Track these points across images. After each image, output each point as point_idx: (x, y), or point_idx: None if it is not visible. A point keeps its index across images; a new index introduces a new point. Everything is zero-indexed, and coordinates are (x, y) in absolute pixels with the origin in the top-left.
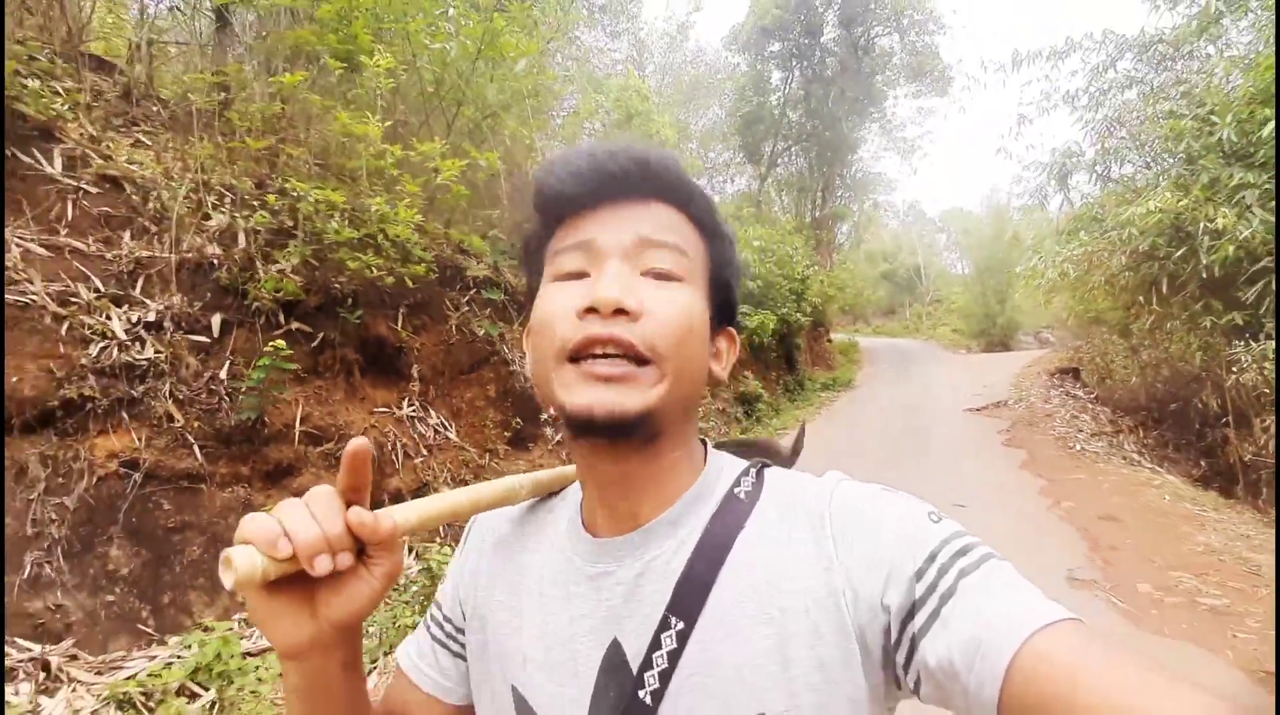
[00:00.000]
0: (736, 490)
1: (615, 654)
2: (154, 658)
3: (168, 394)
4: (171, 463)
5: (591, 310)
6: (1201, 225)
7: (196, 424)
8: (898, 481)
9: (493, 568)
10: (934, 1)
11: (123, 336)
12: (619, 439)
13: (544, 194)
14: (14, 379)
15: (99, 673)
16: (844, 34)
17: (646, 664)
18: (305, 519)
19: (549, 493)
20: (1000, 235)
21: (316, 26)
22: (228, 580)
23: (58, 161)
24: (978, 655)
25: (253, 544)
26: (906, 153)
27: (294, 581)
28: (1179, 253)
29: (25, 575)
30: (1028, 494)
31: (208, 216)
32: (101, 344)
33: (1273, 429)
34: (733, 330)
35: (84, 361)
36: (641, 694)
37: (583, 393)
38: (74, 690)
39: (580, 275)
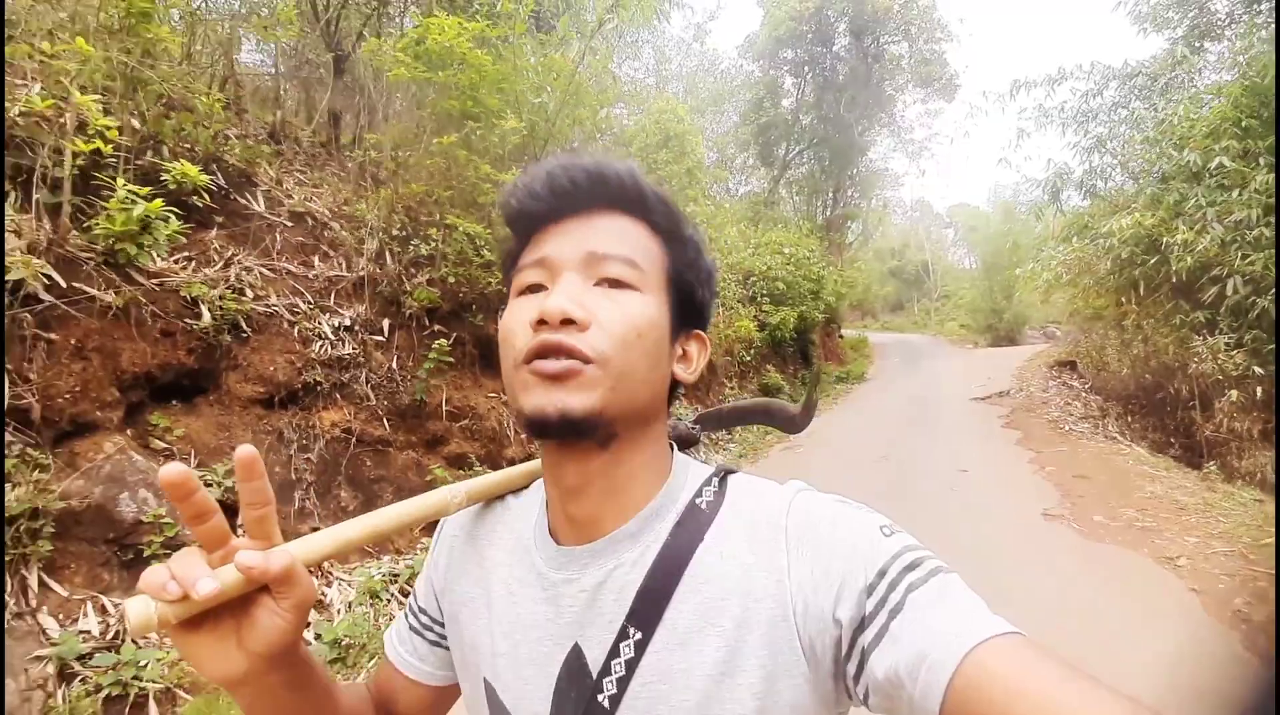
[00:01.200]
0: (698, 501)
1: (576, 659)
2: (380, 569)
3: (364, 380)
4: (370, 431)
5: (542, 322)
6: (1165, 240)
7: (384, 403)
8: (912, 457)
9: (463, 564)
10: (941, 11)
11: (331, 337)
12: (572, 439)
13: (507, 213)
14: (270, 368)
15: (349, 573)
16: (854, 43)
17: (605, 670)
18: (194, 562)
19: (506, 492)
20: (1007, 232)
21: (453, 92)
22: (129, 625)
23: (260, 201)
24: (922, 668)
25: (145, 592)
26: (914, 154)
27: (214, 621)
28: (1153, 260)
29: (294, 507)
30: (1019, 462)
31: (362, 241)
32: (319, 343)
33: (1230, 407)
34: (702, 334)
35: (311, 355)
36: (600, 698)
37: (535, 394)
38: (338, 586)
39: (538, 288)
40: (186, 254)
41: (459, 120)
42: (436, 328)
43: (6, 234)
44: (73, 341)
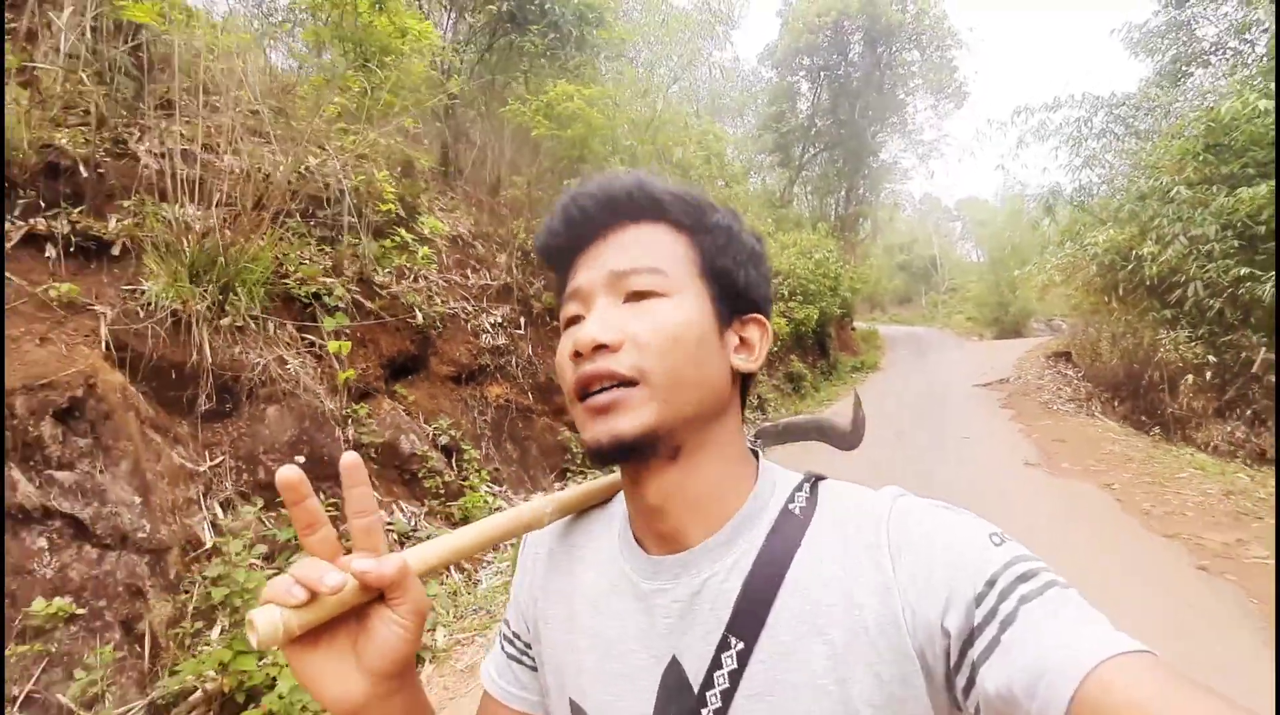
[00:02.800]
0: (791, 506)
1: (675, 672)
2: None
3: (514, 363)
4: (520, 401)
5: (579, 354)
6: (1136, 252)
7: (528, 380)
8: (923, 433)
9: (546, 582)
10: (951, 20)
11: (490, 331)
12: (633, 462)
13: (541, 255)
14: (456, 354)
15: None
16: (868, 51)
17: (708, 683)
18: (315, 564)
19: (591, 506)
20: (1007, 237)
21: (571, 143)
22: (252, 639)
23: (426, 228)
24: (1040, 684)
25: (272, 602)
26: (924, 156)
27: (331, 637)
28: (1130, 267)
29: (481, 453)
30: (1011, 431)
31: (496, 256)
32: (484, 335)
33: (1189, 389)
34: (760, 318)
35: (481, 345)
36: (705, 712)
37: (590, 429)
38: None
39: (577, 319)
40: (388, 270)
41: (575, 163)
42: (555, 323)
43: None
44: (359, 336)
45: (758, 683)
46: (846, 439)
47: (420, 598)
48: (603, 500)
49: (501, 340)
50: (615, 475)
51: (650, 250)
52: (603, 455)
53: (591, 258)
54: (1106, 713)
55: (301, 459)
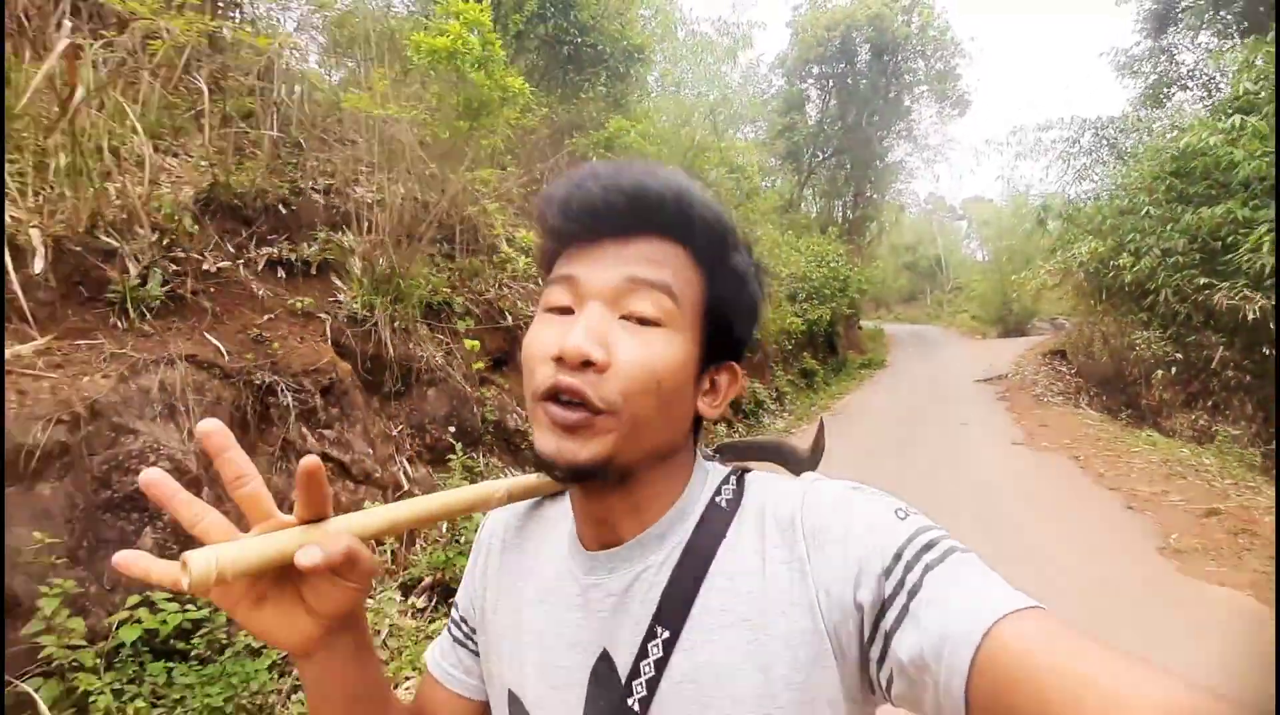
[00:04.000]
0: (718, 499)
1: (604, 664)
2: None
3: None
4: None
5: (561, 358)
6: (1112, 262)
7: None
8: (928, 420)
9: (500, 571)
10: (955, 30)
11: None
12: (581, 483)
13: (542, 227)
14: None
15: None
16: (875, 61)
17: (634, 673)
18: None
19: (546, 496)
20: (1017, 227)
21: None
22: (184, 581)
23: (508, 248)
24: (946, 647)
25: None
26: (930, 161)
27: (278, 594)
28: (1110, 274)
29: None
30: (1003, 418)
31: None
32: None
33: (1159, 382)
34: (734, 365)
35: None
36: (630, 702)
37: (547, 440)
38: None
39: (566, 310)
40: (492, 280)
41: None
42: None
43: None
44: (473, 334)
45: (682, 670)
46: (803, 464)
47: (367, 562)
48: (559, 491)
49: None
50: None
51: (669, 272)
52: (553, 471)
53: (601, 255)
54: (1005, 665)
55: (453, 429)
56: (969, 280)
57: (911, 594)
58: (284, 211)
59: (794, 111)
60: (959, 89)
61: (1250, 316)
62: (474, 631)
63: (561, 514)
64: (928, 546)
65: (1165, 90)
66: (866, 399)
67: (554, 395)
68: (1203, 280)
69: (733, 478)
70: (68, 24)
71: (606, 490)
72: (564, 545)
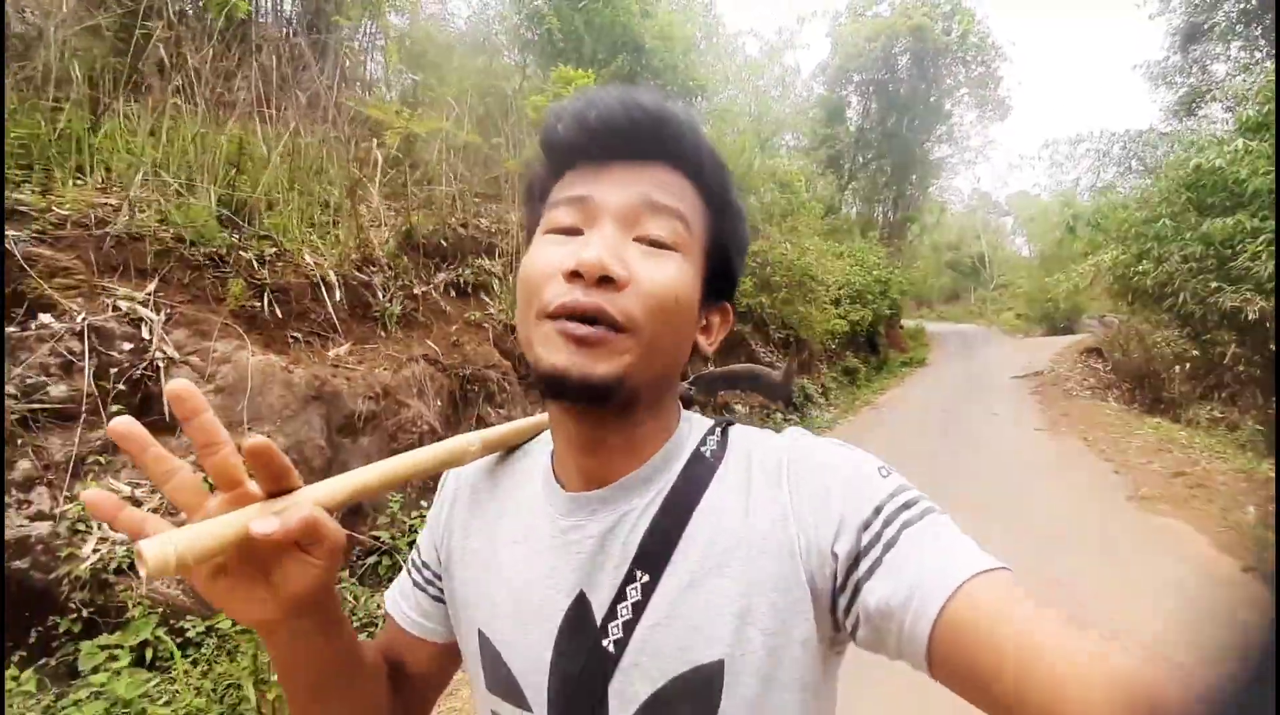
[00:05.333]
0: (703, 448)
1: (580, 605)
2: None
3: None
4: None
5: (576, 274)
6: (1132, 269)
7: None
8: (961, 411)
9: (467, 518)
10: (995, 35)
11: None
12: (591, 405)
13: (549, 141)
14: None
15: None
16: (915, 68)
17: (611, 615)
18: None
19: (516, 445)
20: (1062, 223)
21: None
22: (141, 570)
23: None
24: (914, 598)
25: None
26: (970, 163)
27: (240, 568)
28: (1134, 279)
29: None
30: (1032, 410)
31: None
32: None
33: (1177, 377)
34: (728, 305)
35: None
36: (605, 643)
37: (558, 352)
38: None
39: (573, 231)
40: None
41: None
42: None
43: None
44: None
45: (660, 613)
46: (777, 389)
47: (334, 534)
48: (528, 439)
49: None
50: (541, 417)
51: (683, 201)
52: (560, 386)
53: (614, 176)
54: (968, 621)
55: None
56: (1013, 278)
57: (887, 547)
58: (445, 245)
59: (835, 122)
60: (999, 94)
61: (1251, 317)
62: (436, 577)
63: (532, 462)
64: (907, 505)
65: (1197, 101)
66: (906, 394)
67: (567, 313)
68: (1215, 284)
69: (717, 429)
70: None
71: (607, 420)
72: (539, 488)
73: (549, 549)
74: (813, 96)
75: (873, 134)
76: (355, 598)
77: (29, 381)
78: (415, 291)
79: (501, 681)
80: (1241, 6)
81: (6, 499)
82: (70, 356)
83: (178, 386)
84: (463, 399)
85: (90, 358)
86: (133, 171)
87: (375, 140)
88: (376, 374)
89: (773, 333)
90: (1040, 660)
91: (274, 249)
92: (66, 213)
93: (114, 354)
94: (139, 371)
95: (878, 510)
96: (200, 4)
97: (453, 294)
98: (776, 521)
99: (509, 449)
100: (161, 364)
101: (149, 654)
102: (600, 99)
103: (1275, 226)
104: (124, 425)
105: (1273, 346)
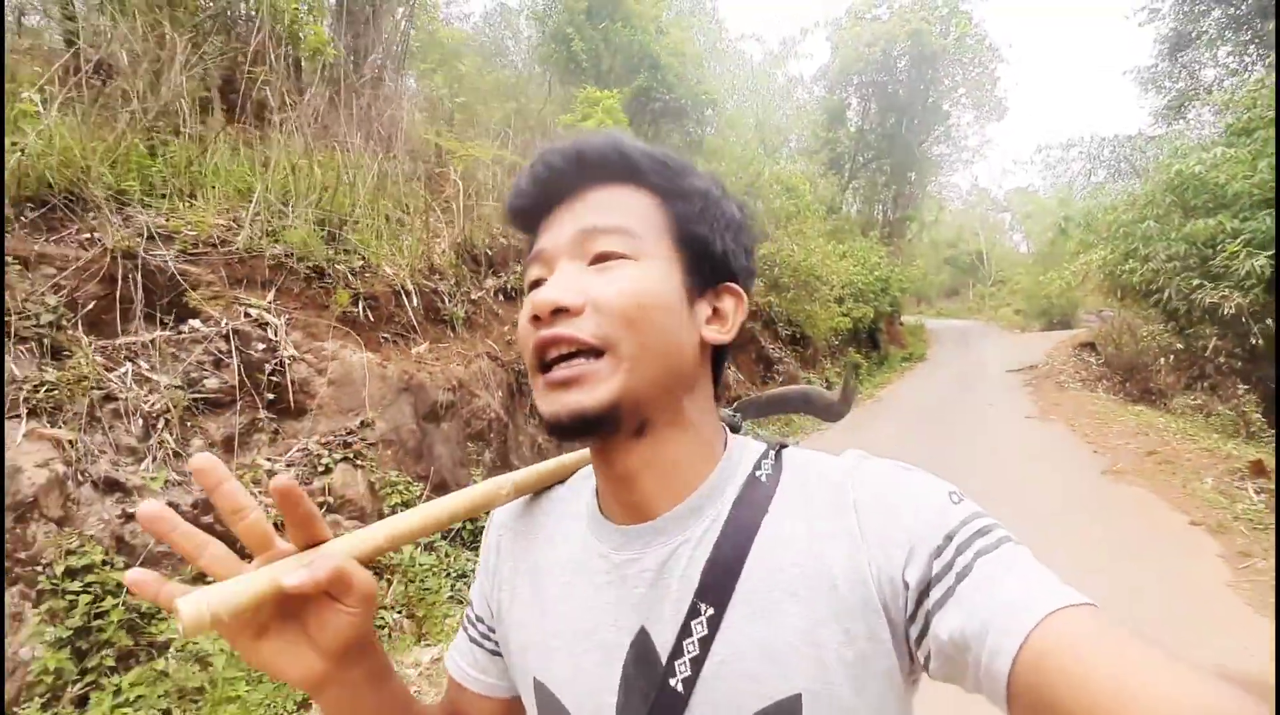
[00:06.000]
0: (758, 473)
1: (643, 643)
2: None
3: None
4: None
5: (536, 318)
6: (1119, 268)
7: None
8: (958, 402)
9: (514, 563)
10: (991, 37)
11: None
12: (595, 436)
13: (509, 217)
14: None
15: None
16: (913, 70)
17: (677, 651)
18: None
19: (552, 484)
20: (1057, 223)
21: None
22: (179, 627)
23: None
24: (990, 633)
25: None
26: (968, 163)
27: (280, 625)
28: (1121, 277)
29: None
30: (1024, 400)
31: None
32: None
33: (1163, 368)
34: (735, 287)
35: None
36: (673, 682)
37: (550, 402)
38: None
39: (540, 283)
40: None
41: None
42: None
43: None
44: None
45: (730, 648)
46: (834, 409)
47: (364, 585)
48: (561, 479)
49: None
50: (575, 454)
51: (620, 211)
52: (563, 430)
53: (557, 219)
54: (1053, 657)
55: None
56: (1012, 274)
57: (960, 576)
58: (491, 254)
59: (836, 125)
60: (996, 95)
61: (1229, 312)
62: (491, 631)
63: (571, 495)
64: (981, 532)
65: (1185, 105)
66: (906, 387)
67: (543, 355)
68: (1197, 281)
69: (771, 453)
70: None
71: (627, 446)
72: (582, 524)
73: (603, 585)
74: (814, 99)
75: (872, 134)
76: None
77: (191, 375)
78: (473, 297)
79: None
80: (1230, 13)
81: (175, 475)
82: (219, 355)
83: (201, 461)
84: (518, 391)
85: (236, 356)
86: (237, 195)
87: (436, 162)
88: (451, 369)
89: (781, 330)
90: (1132, 699)
91: (361, 262)
92: (194, 233)
93: (251, 352)
94: (271, 366)
95: (949, 537)
96: (294, 50)
97: (501, 298)
98: (844, 549)
99: (541, 490)
100: (288, 361)
101: None
102: (531, 164)
103: (1276, 226)
104: (151, 509)
105: (1251, 339)
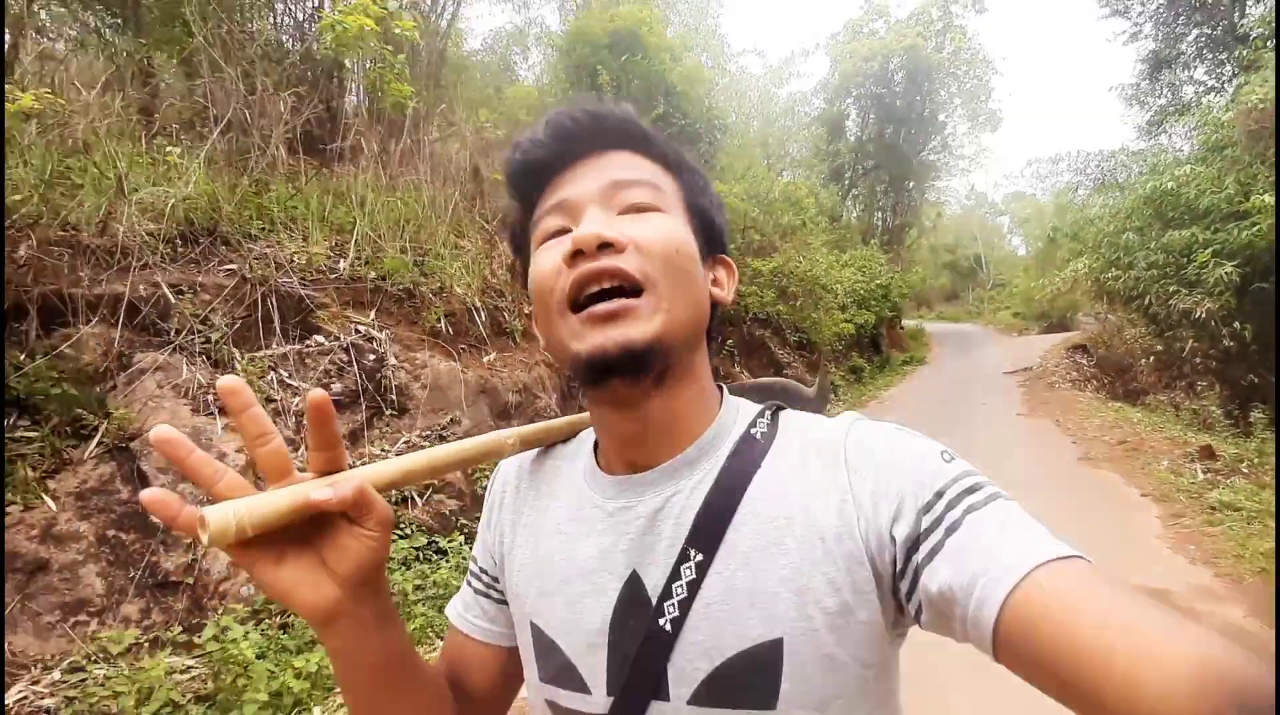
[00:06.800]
0: (753, 431)
1: (634, 585)
2: None
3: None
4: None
5: (578, 254)
6: (1102, 276)
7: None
8: (955, 402)
9: (514, 516)
10: (986, 51)
11: None
12: (635, 374)
13: (514, 169)
14: None
15: None
16: (910, 83)
17: (666, 594)
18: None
19: (556, 442)
20: (1046, 234)
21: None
22: (203, 536)
23: None
24: (979, 584)
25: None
26: (964, 171)
27: (298, 552)
28: (1105, 284)
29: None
30: (1017, 399)
31: None
32: None
33: (1145, 369)
34: (727, 258)
35: None
36: (661, 621)
37: (592, 336)
38: None
39: (562, 232)
40: None
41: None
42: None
43: None
44: None
45: (715, 591)
46: (810, 404)
47: (384, 510)
48: (565, 437)
49: None
50: (580, 416)
51: (648, 172)
52: (608, 365)
53: (581, 172)
54: (1039, 606)
55: None
56: (1010, 277)
57: (950, 531)
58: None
59: (836, 137)
60: (990, 106)
61: (1201, 316)
62: (495, 581)
63: (573, 453)
64: (971, 489)
65: (1166, 121)
66: (907, 389)
67: (581, 290)
68: (1173, 288)
69: (767, 412)
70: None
71: (648, 396)
72: (579, 479)
73: (598, 532)
74: (814, 110)
75: (871, 145)
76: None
77: (321, 381)
78: (526, 311)
79: (556, 669)
80: (1207, 34)
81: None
82: (341, 364)
83: (229, 382)
84: (569, 393)
85: (356, 365)
86: (333, 229)
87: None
88: (516, 375)
89: (789, 336)
90: (1118, 641)
91: (439, 284)
92: (305, 262)
93: (365, 362)
94: (380, 374)
95: (939, 494)
96: (376, 98)
97: None
98: (834, 503)
99: (546, 446)
100: (391, 371)
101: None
102: (546, 119)
103: (1275, 226)
104: (165, 432)
105: (1224, 341)
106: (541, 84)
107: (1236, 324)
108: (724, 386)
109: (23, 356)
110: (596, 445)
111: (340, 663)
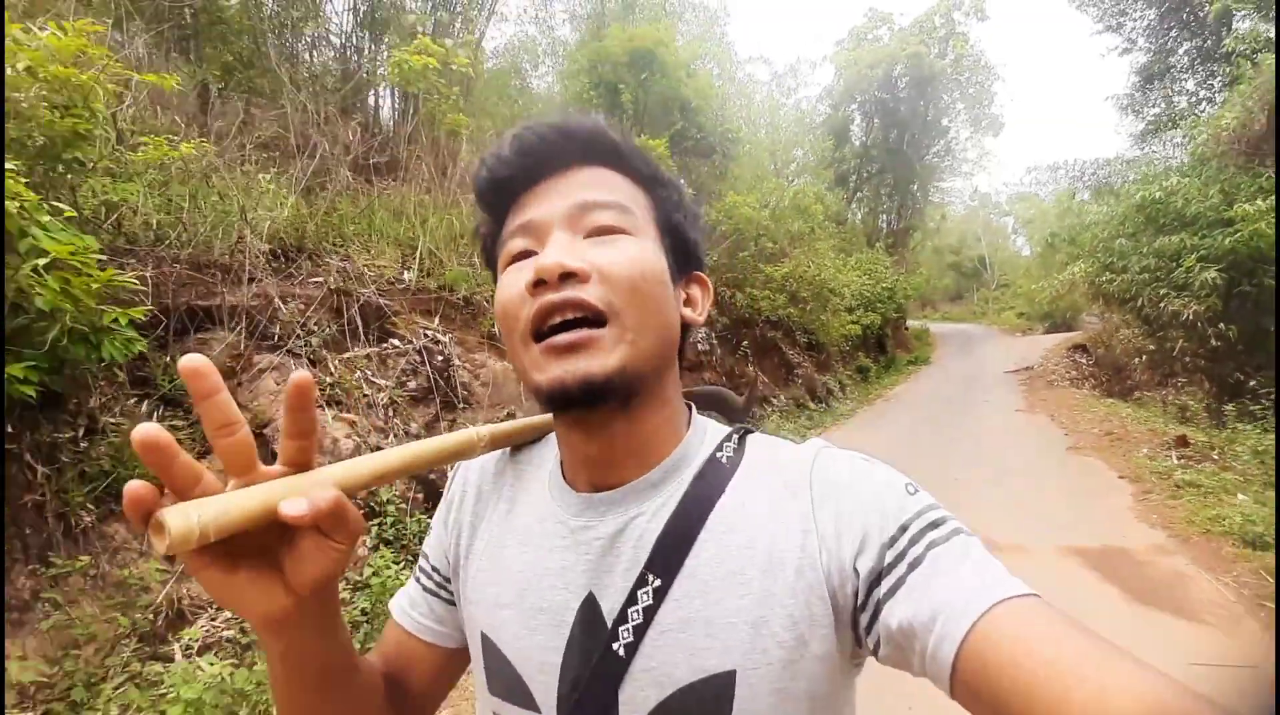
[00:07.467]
0: (719, 455)
1: (590, 608)
2: None
3: (711, 362)
4: (713, 380)
5: (540, 283)
6: (1096, 279)
7: (718, 368)
8: (957, 399)
9: (474, 519)
10: (988, 57)
11: (700, 342)
12: (595, 406)
13: (480, 188)
14: (690, 355)
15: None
16: (914, 90)
17: (621, 618)
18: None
19: (526, 442)
20: (1061, 222)
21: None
22: (159, 545)
23: None
24: (939, 620)
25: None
26: (967, 174)
27: (255, 561)
28: (1102, 287)
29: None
30: (1017, 396)
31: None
32: (699, 345)
33: (1139, 367)
34: (702, 275)
35: (698, 345)
36: (616, 646)
37: (552, 368)
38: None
39: (527, 254)
40: None
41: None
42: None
43: None
44: None
45: (672, 619)
46: (737, 412)
47: (356, 520)
48: (536, 437)
49: (703, 347)
50: (533, 419)
51: (617, 191)
52: (567, 399)
53: (547, 191)
54: (996, 645)
55: None
56: (1014, 277)
57: (912, 566)
58: None
59: (841, 143)
60: (993, 111)
61: (1189, 318)
62: (447, 581)
63: (539, 459)
64: (934, 524)
65: (1159, 130)
66: (912, 387)
67: (544, 321)
68: (1164, 291)
69: (734, 436)
70: None
71: (613, 421)
72: (546, 489)
73: (560, 549)
74: (819, 115)
75: (875, 150)
76: None
77: (399, 379)
78: None
79: (506, 683)
80: (1198, 47)
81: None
82: (415, 364)
83: (192, 361)
84: None
85: (428, 366)
86: (395, 244)
87: None
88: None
89: (799, 338)
90: (1068, 689)
91: (491, 292)
92: (376, 274)
93: (436, 362)
94: (447, 373)
95: (903, 528)
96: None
97: None
98: (797, 533)
99: (515, 447)
100: (456, 369)
101: None
102: (513, 134)
103: (1275, 226)
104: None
105: (1211, 341)
106: (564, 98)
107: (1222, 325)
108: (692, 405)
109: (166, 358)
110: (561, 460)
111: (280, 665)
